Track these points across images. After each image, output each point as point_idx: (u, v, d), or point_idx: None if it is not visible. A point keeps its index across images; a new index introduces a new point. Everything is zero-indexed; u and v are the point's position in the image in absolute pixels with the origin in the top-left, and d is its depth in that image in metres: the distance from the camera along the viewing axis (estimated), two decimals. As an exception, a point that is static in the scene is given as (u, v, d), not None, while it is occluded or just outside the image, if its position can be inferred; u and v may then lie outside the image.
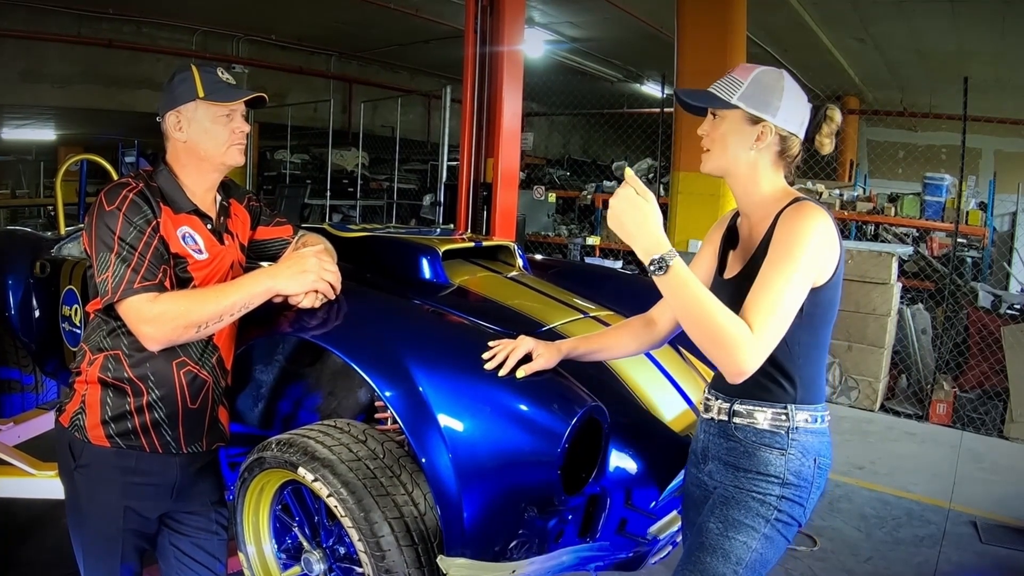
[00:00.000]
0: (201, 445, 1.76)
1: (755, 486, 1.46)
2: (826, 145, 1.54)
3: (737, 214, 1.63)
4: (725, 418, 1.51)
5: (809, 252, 1.37)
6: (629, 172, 1.38)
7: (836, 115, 1.54)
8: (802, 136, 1.51)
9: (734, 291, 1.51)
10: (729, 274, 1.57)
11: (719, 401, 1.54)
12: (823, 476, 1.49)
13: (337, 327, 1.80)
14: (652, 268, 1.33)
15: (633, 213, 1.34)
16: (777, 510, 1.45)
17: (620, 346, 1.76)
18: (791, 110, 1.47)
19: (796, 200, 1.47)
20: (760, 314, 1.32)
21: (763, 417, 1.47)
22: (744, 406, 1.49)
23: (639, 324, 1.74)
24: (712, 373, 1.67)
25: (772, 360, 1.38)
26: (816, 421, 1.47)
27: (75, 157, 4.46)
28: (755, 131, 1.47)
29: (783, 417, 1.45)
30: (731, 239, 1.62)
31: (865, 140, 12.62)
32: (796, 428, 1.45)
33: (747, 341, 1.30)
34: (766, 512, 1.45)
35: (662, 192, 7.87)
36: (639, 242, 1.34)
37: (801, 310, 1.39)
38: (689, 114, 1.61)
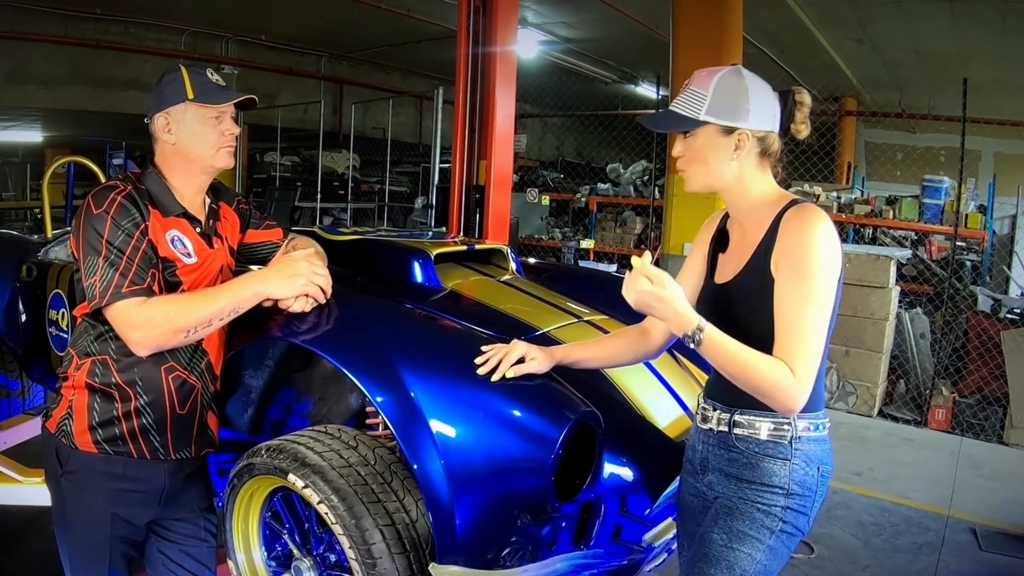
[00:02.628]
0: (190, 451, 1.74)
1: (759, 497, 1.44)
2: (803, 131, 1.51)
3: (726, 215, 1.61)
4: (725, 428, 1.49)
5: (825, 265, 1.36)
6: (637, 261, 1.37)
7: (805, 98, 1.50)
8: (777, 129, 1.48)
9: (728, 297, 1.49)
10: (721, 279, 1.54)
11: (718, 411, 1.51)
12: (825, 484, 1.48)
13: (328, 331, 1.78)
14: (688, 343, 1.35)
15: (657, 303, 1.35)
16: (782, 521, 1.44)
17: (614, 355, 1.74)
18: (761, 108, 1.43)
19: (793, 203, 1.45)
20: (798, 354, 1.33)
21: (764, 427, 1.44)
22: (744, 416, 1.46)
23: (634, 334, 1.73)
24: (707, 378, 1.65)
25: None
26: (817, 429, 1.46)
27: (62, 159, 4.41)
28: (732, 141, 1.44)
29: (785, 426, 1.43)
30: (721, 242, 1.59)
31: (863, 142, 12.65)
32: (799, 437, 1.43)
33: (791, 386, 1.32)
34: (771, 523, 1.44)
35: (657, 195, 7.87)
36: (671, 324, 1.37)
37: None
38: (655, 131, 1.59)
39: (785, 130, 1.49)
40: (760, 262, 1.43)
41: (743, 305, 1.45)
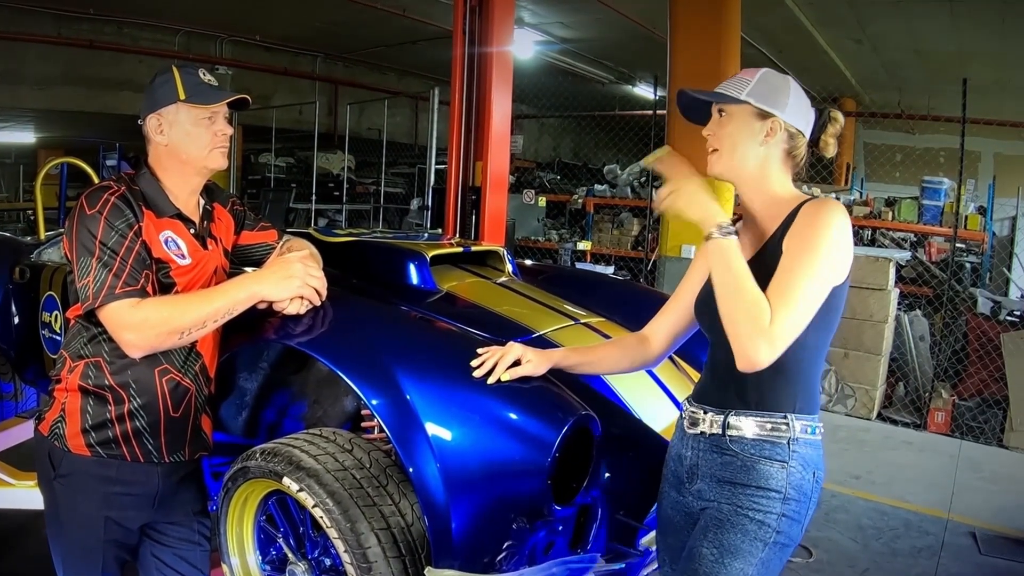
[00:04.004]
0: (183, 454, 1.73)
1: (754, 503, 1.40)
2: (830, 146, 1.54)
3: (734, 221, 1.60)
4: (718, 431, 1.45)
5: (831, 245, 1.35)
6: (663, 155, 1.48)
7: (839, 117, 1.54)
8: (808, 136, 1.50)
9: None
10: None
11: (710, 414, 1.47)
12: (819, 491, 1.45)
13: (323, 334, 1.77)
14: (706, 235, 1.40)
15: (686, 198, 1.43)
16: (776, 531, 1.39)
17: (611, 362, 1.73)
18: (798, 108, 1.47)
19: (812, 198, 1.45)
20: (778, 309, 1.30)
21: (761, 427, 1.41)
22: (739, 417, 1.43)
23: (632, 341, 1.72)
24: (697, 380, 1.63)
25: (774, 363, 1.32)
26: (812, 432, 1.43)
27: (55, 160, 4.40)
28: (764, 127, 1.46)
29: (783, 427, 1.40)
30: None
31: (862, 143, 12.63)
32: (796, 439, 1.40)
33: (762, 331, 1.29)
34: (764, 535, 1.39)
35: (655, 196, 7.85)
36: (693, 216, 1.43)
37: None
38: (683, 118, 1.60)
39: (814, 142, 1.53)
40: (773, 248, 1.42)
41: None
